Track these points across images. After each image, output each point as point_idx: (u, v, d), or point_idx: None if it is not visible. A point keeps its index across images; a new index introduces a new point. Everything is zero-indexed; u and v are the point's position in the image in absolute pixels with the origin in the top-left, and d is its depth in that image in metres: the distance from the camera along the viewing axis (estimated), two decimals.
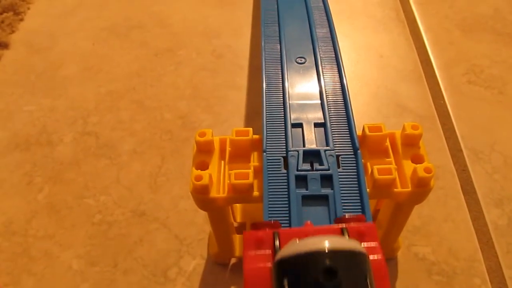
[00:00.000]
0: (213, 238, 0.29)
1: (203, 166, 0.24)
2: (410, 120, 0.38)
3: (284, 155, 0.24)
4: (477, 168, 0.35)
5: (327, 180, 0.22)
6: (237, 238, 0.29)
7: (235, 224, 0.31)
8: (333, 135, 0.24)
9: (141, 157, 0.36)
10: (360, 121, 0.37)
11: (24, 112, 0.40)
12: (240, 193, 0.23)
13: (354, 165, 0.23)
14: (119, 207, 0.34)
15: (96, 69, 0.44)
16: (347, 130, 0.25)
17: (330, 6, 0.34)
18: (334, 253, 0.15)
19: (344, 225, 0.18)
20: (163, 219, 0.33)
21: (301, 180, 0.22)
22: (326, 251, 0.15)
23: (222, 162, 0.25)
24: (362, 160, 0.24)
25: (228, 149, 0.25)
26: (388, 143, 0.25)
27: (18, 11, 0.48)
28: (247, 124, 0.39)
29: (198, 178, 0.23)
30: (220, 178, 0.24)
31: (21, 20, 0.48)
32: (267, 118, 0.25)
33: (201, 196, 0.23)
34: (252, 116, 0.39)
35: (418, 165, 0.23)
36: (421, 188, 0.23)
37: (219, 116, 0.39)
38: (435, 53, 0.44)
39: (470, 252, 0.31)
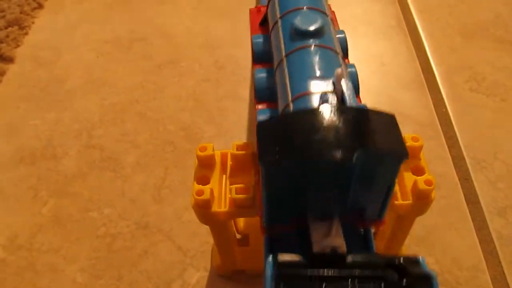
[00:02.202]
0: (216, 250, 0.29)
1: (205, 180, 0.24)
2: (412, 129, 0.38)
3: None
4: (480, 176, 0.35)
5: None
6: (239, 251, 0.29)
7: (238, 236, 0.31)
8: None
9: (145, 169, 0.37)
10: None
11: (29, 126, 0.41)
12: (241, 208, 0.23)
13: None
14: (123, 219, 0.34)
15: (100, 81, 0.44)
16: None
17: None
18: None
19: None
20: (167, 231, 0.33)
21: None
22: None
23: (224, 176, 0.25)
24: None
25: (229, 163, 0.25)
26: None
27: (23, 25, 0.49)
28: (249, 135, 0.39)
29: (200, 193, 0.23)
30: (221, 192, 0.24)
31: (26, 34, 0.49)
32: None
33: (203, 210, 0.23)
34: (255, 127, 0.39)
35: (418, 177, 0.23)
36: (422, 201, 0.23)
37: (221, 127, 0.39)
38: (437, 60, 0.44)
39: (474, 262, 0.31)
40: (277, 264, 0.15)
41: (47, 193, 0.36)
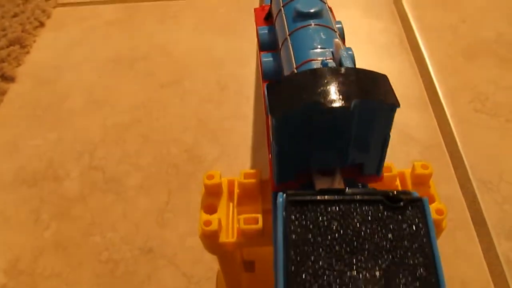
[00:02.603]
0: (221, 277, 0.29)
1: (212, 209, 0.24)
2: (417, 150, 0.38)
3: None
4: (486, 198, 0.35)
5: None
6: (245, 277, 0.29)
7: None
8: None
9: (148, 192, 0.36)
10: None
11: (30, 147, 0.40)
12: (249, 238, 0.23)
13: None
14: (126, 244, 0.33)
15: (102, 101, 0.44)
16: None
17: None
18: None
19: None
20: (170, 256, 0.33)
21: None
22: None
23: (231, 204, 0.25)
24: None
25: (236, 191, 0.25)
26: (398, 183, 0.25)
27: (24, 44, 0.49)
28: (254, 155, 0.39)
29: (207, 223, 0.23)
30: (229, 221, 0.24)
31: (27, 53, 0.49)
32: None
33: (210, 241, 0.23)
34: (259, 147, 0.39)
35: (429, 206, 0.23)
36: None
37: (225, 148, 0.39)
38: (440, 80, 0.44)
39: (482, 285, 0.31)
40: (287, 194, 0.17)
41: (49, 216, 0.36)
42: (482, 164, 0.37)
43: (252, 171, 0.24)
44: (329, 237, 0.16)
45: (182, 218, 0.35)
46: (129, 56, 0.48)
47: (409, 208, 0.17)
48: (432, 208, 0.23)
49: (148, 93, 0.44)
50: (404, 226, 0.16)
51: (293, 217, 0.16)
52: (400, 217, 0.16)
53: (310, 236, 0.16)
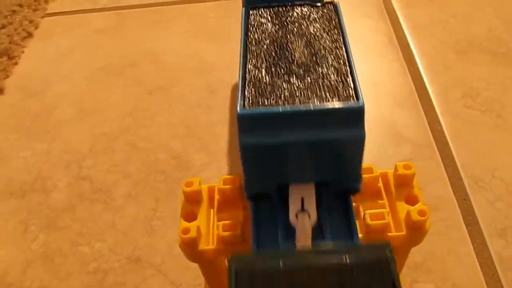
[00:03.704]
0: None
1: (191, 216, 0.24)
2: (407, 149, 0.38)
3: None
4: (478, 197, 0.34)
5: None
6: None
7: None
8: None
9: (136, 200, 0.36)
10: None
11: (19, 158, 0.40)
12: (229, 245, 0.22)
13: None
14: (114, 253, 0.33)
15: (90, 110, 0.44)
16: None
17: None
18: None
19: None
20: (158, 264, 0.32)
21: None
22: None
23: (211, 211, 0.24)
24: (354, 204, 0.23)
25: (216, 197, 0.24)
26: (381, 184, 0.25)
27: (12, 55, 0.49)
28: None
29: (186, 231, 0.22)
30: (209, 228, 0.24)
31: (16, 64, 0.49)
32: None
33: (190, 249, 0.23)
34: None
35: (412, 207, 0.23)
36: (416, 231, 0.22)
37: (213, 155, 0.39)
38: (430, 78, 0.43)
39: (475, 287, 0.30)
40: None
41: (37, 227, 0.35)
42: (474, 162, 0.36)
43: (231, 176, 0.24)
44: None
45: (170, 226, 0.34)
46: (118, 64, 0.48)
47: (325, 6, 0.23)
48: (415, 209, 0.22)
49: (136, 101, 0.44)
50: (322, 20, 0.22)
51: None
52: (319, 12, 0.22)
53: None
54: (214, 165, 0.38)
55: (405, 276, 0.30)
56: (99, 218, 0.35)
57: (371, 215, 0.22)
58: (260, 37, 0.21)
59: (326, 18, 0.22)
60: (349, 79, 0.19)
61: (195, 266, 0.32)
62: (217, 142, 0.39)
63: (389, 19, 0.50)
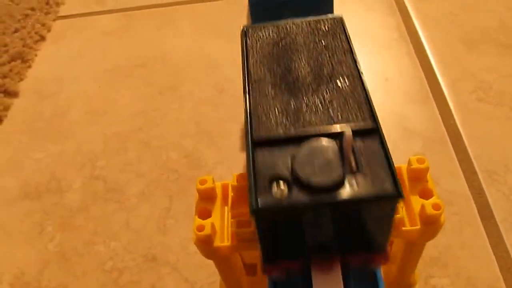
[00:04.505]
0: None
1: (206, 214, 0.24)
2: (420, 144, 0.37)
3: None
4: (492, 190, 0.34)
5: None
6: (247, 281, 0.29)
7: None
8: None
9: (149, 199, 0.36)
10: None
11: (33, 160, 0.41)
12: (243, 242, 0.22)
13: None
14: (129, 252, 0.33)
15: (102, 111, 0.44)
16: None
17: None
18: None
19: None
20: (173, 262, 0.33)
21: None
22: None
23: (226, 208, 0.24)
24: None
25: (230, 194, 0.25)
26: None
27: (26, 59, 0.49)
28: None
29: (201, 228, 0.22)
30: (224, 225, 0.24)
31: (29, 67, 0.49)
32: None
33: (205, 246, 0.23)
34: None
35: (426, 201, 0.22)
36: (431, 226, 0.22)
37: (223, 152, 0.39)
38: (441, 71, 0.43)
39: (491, 281, 0.30)
40: None
41: (53, 228, 0.36)
42: (488, 155, 0.36)
43: (244, 173, 0.24)
44: None
45: (183, 224, 0.34)
46: (128, 64, 0.48)
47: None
48: (429, 203, 0.22)
49: (147, 101, 0.44)
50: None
51: None
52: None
53: None
54: (225, 162, 0.38)
55: (421, 271, 0.30)
56: (113, 217, 0.36)
57: None
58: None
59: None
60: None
61: (209, 263, 0.32)
62: (226, 138, 0.40)
63: (399, 12, 0.50)
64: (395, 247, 0.28)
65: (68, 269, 0.33)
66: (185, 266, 0.32)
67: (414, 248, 0.24)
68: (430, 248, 0.31)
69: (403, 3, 0.51)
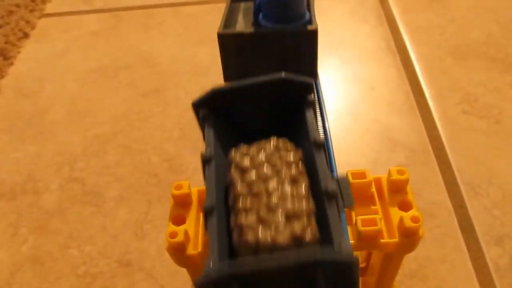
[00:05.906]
0: None
1: (180, 220, 0.23)
2: (403, 155, 0.37)
3: None
4: (475, 203, 0.34)
5: None
6: None
7: None
8: None
9: (128, 203, 0.35)
10: (351, 159, 0.36)
11: (10, 160, 0.40)
12: None
13: None
14: (104, 257, 0.33)
15: (83, 112, 0.43)
16: None
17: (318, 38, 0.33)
18: None
19: None
20: (149, 268, 0.32)
21: None
22: None
23: (201, 214, 0.24)
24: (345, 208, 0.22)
25: None
26: (374, 189, 0.24)
27: (8, 56, 0.48)
28: None
29: (173, 235, 0.22)
30: (198, 232, 0.23)
31: (11, 64, 0.48)
32: None
33: (177, 253, 0.22)
34: None
35: (405, 213, 0.22)
36: (409, 238, 0.22)
37: None
38: (428, 82, 0.43)
39: None
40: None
41: (27, 230, 0.35)
42: (471, 168, 0.36)
43: None
44: None
45: (161, 229, 0.34)
46: (112, 66, 0.48)
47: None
48: (408, 215, 0.22)
49: (130, 103, 0.43)
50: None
51: None
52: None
53: None
54: None
55: (400, 284, 0.30)
56: (90, 221, 0.35)
57: (363, 221, 0.21)
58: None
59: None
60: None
61: (185, 270, 0.31)
62: None
63: (387, 23, 0.50)
64: (374, 259, 0.27)
65: (41, 273, 0.32)
66: (161, 272, 0.31)
67: (392, 260, 0.24)
68: (410, 260, 0.31)
69: (392, 14, 0.51)
